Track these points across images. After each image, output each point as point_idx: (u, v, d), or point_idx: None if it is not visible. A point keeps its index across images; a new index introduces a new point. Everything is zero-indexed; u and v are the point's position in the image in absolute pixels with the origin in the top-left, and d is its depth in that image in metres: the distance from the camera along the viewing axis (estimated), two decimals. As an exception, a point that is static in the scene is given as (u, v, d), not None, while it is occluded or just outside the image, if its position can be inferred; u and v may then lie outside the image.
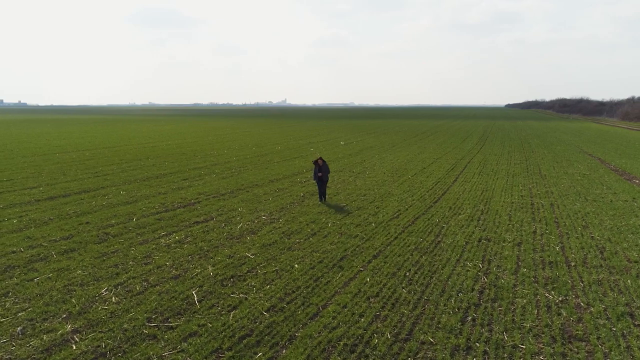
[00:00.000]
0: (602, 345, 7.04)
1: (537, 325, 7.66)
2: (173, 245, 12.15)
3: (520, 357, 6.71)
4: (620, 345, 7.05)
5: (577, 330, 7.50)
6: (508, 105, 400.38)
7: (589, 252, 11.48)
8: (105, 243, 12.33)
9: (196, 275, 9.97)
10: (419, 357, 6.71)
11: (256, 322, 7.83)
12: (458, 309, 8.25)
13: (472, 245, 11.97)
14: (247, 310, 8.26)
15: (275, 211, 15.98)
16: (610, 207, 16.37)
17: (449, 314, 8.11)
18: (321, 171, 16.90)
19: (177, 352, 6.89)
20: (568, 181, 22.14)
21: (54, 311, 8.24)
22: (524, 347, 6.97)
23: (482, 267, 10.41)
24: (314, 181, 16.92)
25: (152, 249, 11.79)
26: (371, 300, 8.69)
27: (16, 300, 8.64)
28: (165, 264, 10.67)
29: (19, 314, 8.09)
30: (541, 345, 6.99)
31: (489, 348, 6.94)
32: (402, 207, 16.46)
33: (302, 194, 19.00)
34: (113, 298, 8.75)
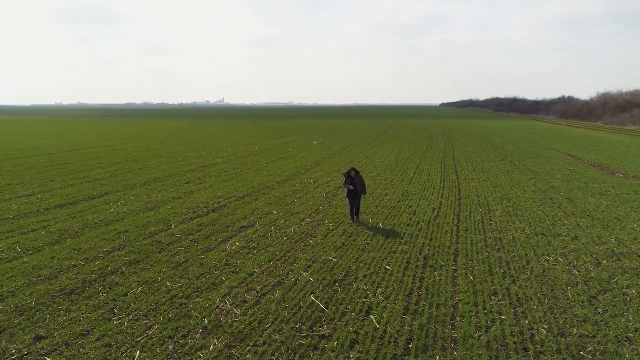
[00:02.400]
0: None
1: None
2: (242, 251, 11.79)
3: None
4: None
5: None
6: (443, 105, 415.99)
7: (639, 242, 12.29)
8: (166, 252, 11.75)
9: (297, 282, 9.74)
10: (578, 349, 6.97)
11: (403, 325, 7.79)
12: (584, 302, 8.60)
13: (536, 240, 12.46)
14: (386, 313, 8.18)
15: (313, 213, 15.84)
16: (622, 201, 17.52)
17: (581, 306, 8.44)
18: (354, 185, 14.13)
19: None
20: (562, 176, 23.43)
21: (186, 326, 7.79)
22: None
23: (563, 261, 10.86)
24: (346, 197, 14.48)
25: (224, 255, 11.39)
26: (493, 298, 8.86)
27: (133, 317, 8.08)
28: (254, 271, 10.35)
29: (150, 332, 7.58)
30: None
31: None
32: (433, 206, 16.81)
33: (324, 195, 18.93)
34: (235, 310, 8.39)
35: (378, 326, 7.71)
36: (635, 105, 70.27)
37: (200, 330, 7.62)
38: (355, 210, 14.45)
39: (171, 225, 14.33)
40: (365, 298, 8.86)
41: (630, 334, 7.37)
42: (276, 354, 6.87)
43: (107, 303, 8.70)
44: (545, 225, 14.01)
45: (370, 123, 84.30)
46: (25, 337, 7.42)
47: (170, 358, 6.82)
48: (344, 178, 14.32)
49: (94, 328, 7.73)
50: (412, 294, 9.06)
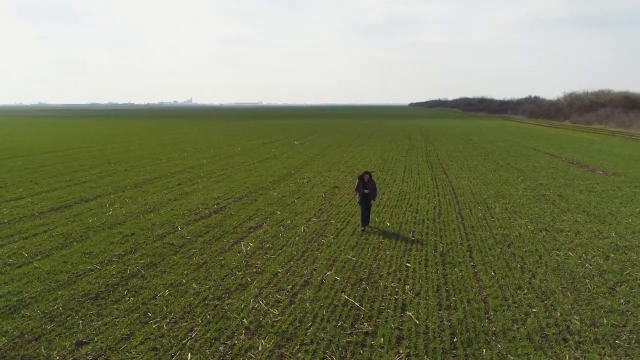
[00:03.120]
0: None
1: None
2: (258, 252, 11.79)
3: None
4: None
5: None
6: (412, 104, 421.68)
7: (639, 236, 12.85)
8: (181, 254, 11.65)
9: (324, 281, 9.83)
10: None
11: (442, 320, 7.98)
12: (605, 294, 9.00)
13: (541, 236, 12.90)
14: (421, 309, 8.36)
15: (317, 213, 15.93)
16: (610, 196, 18.27)
17: (604, 297, 8.82)
18: (366, 189, 13.47)
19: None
20: (546, 174, 24.21)
21: (227, 327, 7.79)
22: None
23: (573, 255, 11.30)
24: (358, 202, 13.76)
25: (242, 256, 11.37)
26: (518, 292, 9.17)
27: (170, 320, 8.02)
28: (278, 271, 10.38)
29: (193, 334, 7.54)
30: None
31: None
32: (433, 204, 17.14)
33: (322, 195, 19.03)
34: (271, 310, 8.42)
35: (418, 322, 7.86)
36: (600, 105, 73.03)
37: (244, 331, 7.62)
38: (367, 215, 13.71)
39: (177, 227, 14.18)
40: (395, 295, 9.01)
41: (656, 323, 7.78)
42: (327, 352, 6.95)
43: (138, 306, 8.58)
44: (546, 221, 14.48)
45: (346, 123, 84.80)
46: (65, 343, 7.27)
47: (222, 358, 6.79)
48: (357, 181, 13.68)
49: (133, 332, 7.63)
50: (439, 290, 9.27)
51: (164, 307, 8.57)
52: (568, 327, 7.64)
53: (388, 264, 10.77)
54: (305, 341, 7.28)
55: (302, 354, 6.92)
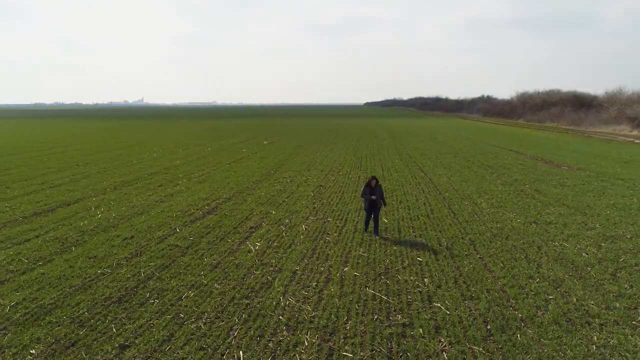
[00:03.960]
0: None
1: None
2: (268, 250, 11.88)
3: None
4: None
5: None
6: (367, 104, 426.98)
7: (620, 226, 13.79)
8: (189, 256, 11.60)
9: (344, 277, 10.05)
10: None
11: (470, 309, 8.38)
12: (609, 280, 9.68)
13: (533, 228, 13.61)
14: (447, 300, 8.74)
15: (312, 211, 16.11)
16: (582, 190, 19.39)
17: (609, 283, 9.49)
18: (374, 195, 13.01)
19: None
20: (517, 170, 25.33)
21: (267, 325, 7.89)
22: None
23: (569, 245, 12.03)
24: (364, 208, 13.25)
25: (254, 255, 11.43)
26: (531, 281, 9.73)
27: (206, 320, 8.04)
28: (295, 269, 10.53)
29: (234, 332, 7.60)
30: None
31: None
32: (422, 201, 17.67)
33: (310, 194, 19.22)
34: (303, 306, 8.58)
35: (448, 312, 8.22)
36: (551, 104, 76.64)
37: (284, 327, 7.74)
38: (374, 223, 13.16)
39: (175, 229, 14.03)
40: (418, 288, 9.35)
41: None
42: (374, 343, 7.18)
43: (167, 308, 8.54)
44: (533, 215, 15.26)
45: (308, 123, 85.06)
46: (107, 347, 7.18)
47: (273, 355, 6.91)
48: (363, 187, 13.17)
49: (172, 333, 7.61)
50: (457, 281, 9.68)
51: (194, 307, 8.55)
52: (587, 311, 8.20)
53: (400, 258, 11.10)
54: (348, 335, 7.48)
55: (349, 346, 7.12)
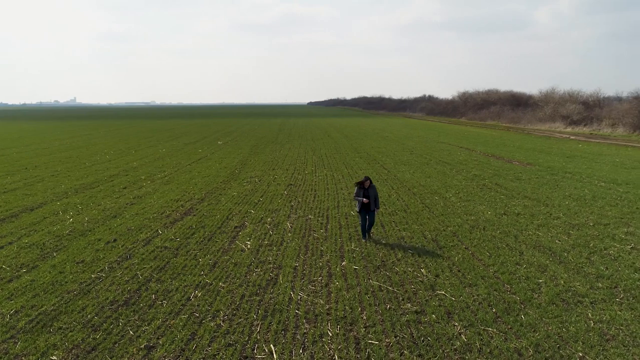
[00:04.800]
0: None
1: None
2: (261, 249, 12.01)
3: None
4: None
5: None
6: (311, 103, 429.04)
7: (581, 215, 14.98)
8: (182, 257, 11.54)
9: (345, 270, 10.38)
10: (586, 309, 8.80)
11: (472, 295, 8.96)
12: (586, 263, 10.59)
13: (506, 219, 14.52)
14: (450, 288, 9.28)
15: (291, 210, 16.31)
16: (538, 184, 20.77)
17: (587, 265, 10.39)
18: (367, 197, 12.14)
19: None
20: (474, 166, 26.64)
21: (287, 319, 8.08)
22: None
23: (542, 233, 12.98)
24: (357, 212, 12.40)
25: (249, 254, 11.53)
26: (518, 267, 10.48)
27: (223, 318, 8.13)
28: (295, 265, 10.75)
29: (257, 328, 7.76)
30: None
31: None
32: (394, 196, 18.30)
33: (284, 192, 19.42)
34: (316, 300, 8.84)
35: (454, 298, 8.75)
36: (491, 103, 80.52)
37: (304, 320, 7.96)
38: (369, 225, 12.50)
39: (157, 231, 13.85)
40: (418, 278, 9.84)
41: (633, 278, 9.40)
42: (395, 330, 7.56)
43: (180, 308, 8.54)
44: (501, 207, 16.23)
45: (256, 122, 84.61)
46: (131, 349, 7.13)
47: (303, 346, 7.13)
48: (355, 189, 12.34)
49: (194, 332, 7.65)
50: (452, 270, 10.27)
51: (207, 306, 8.59)
52: (576, 292, 8.98)
53: (392, 252, 11.56)
54: (368, 324, 7.82)
55: (372, 335, 7.45)
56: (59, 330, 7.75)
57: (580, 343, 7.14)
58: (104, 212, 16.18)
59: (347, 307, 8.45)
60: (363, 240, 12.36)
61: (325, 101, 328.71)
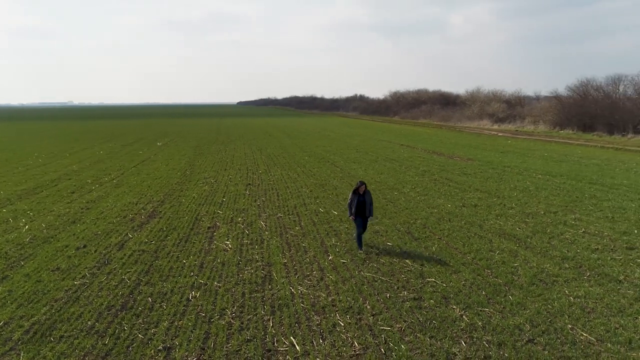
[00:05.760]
0: None
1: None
2: (244, 248, 12.09)
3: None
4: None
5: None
6: (241, 103, 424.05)
7: (531, 205, 16.32)
8: (164, 259, 11.40)
9: (335, 264, 10.72)
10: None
11: (461, 280, 9.64)
12: (549, 247, 11.65)
13: (467, 210, 15.50)
14: (438, 274, 9.92)
15: (259, 208, 16.43)
16: (484, 177, 22.21)
17: (551, 249, 11.45)
18: (362, 203, 11.29)
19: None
20: (420, 163, 27.92)
21: (297, 313, 8.31)
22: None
23: (502, 222, 14.03)
24: (351, 218, 11.45)
25: (233, 254, 11.58)
26: (492, 253, 11.34)
27: (232, 316, 8.23)
28: (284, 262, 10.94)
29: (270, 323, 7.94)
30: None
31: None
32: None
33: (245, 192, 19.45)
34: (318, 293, 9.13)
35: (445, 284, 9.37)
36: (421, 102, 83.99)
37: (313, 313, 8.23)
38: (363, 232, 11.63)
39: (127, 235, 13.52)
40: (406, 267, 10.39)
41: (593, 258, 10.52)
42: (402, 315, 8.02)
43: (183, 309, 8.51)
44: (458, 199, 17.28)
45: (192, 123, 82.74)
46: (148, 352, 7.08)
47: (322, 336, 7.41)
48: (351, 194, 11.42)
49: (207, 331, 7.69)
50: (434, 259, 10.92)
51: (210, 306, 8.63)
52: (548, 273, 9.91)
53: (373, 245, 12.04)
54: (374, 312, 8.22)
55: (383, 321, 7.87)
56: (62, 338, 7.49)
57: (567, 317, 7.95)
58: (60, 218, 15.45)
59: (349, 298, 8.79)
60: (360, 251, 11.33)
61: (255, 101, 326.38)
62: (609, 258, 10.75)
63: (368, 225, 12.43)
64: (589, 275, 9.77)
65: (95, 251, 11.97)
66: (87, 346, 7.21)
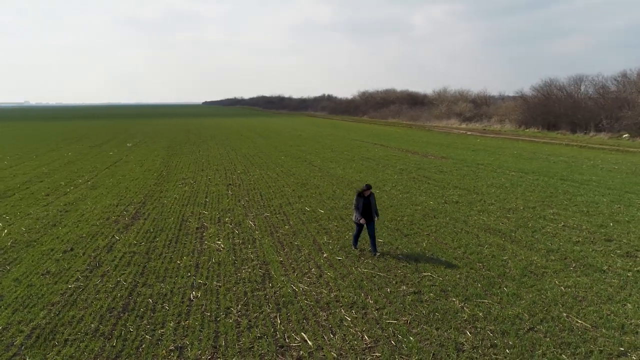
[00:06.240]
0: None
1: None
2: (237, 247, 12.10)
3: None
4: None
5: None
6: (206, 103, 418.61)
7: (510, 201, 16.91)
8: (157, 261, 11.32)
9: (331, 260, 10.89)
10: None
11: (457, 272, 9.97)
12: (531, 238, 12.14)
13: (449, 207, 15.91)
14: (435, 268, 10.22)
15: (245, 208, 16.42)
16: (460, 175, 22.81)
17: (532, 240, 11.94)
18: (367, 205, 11.17)
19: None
20: (396, 161, 28.39)
21: (304, 310, 8.43)
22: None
23: (485, 218, 14.52)
24: (360, 221, 11.08)
25: (227, 253, 11.57)
26: (481, 247, 11.75)
27: (238, 314, 8.28)
28: (280, 260, 11.03)
29: (278, 320, 8.04)
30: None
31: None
32: (339, 191, 19.07)
33: (227, 192, 19.39)
34: (319, 290, 9.26)
35: (441, 278, 9.67)
36: (390, 102, 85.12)
37: (319, 309, 8.37)
38: (370, 239, 11.34)
39: (114, 237, 13.33)
40: (401, 263, 10.64)
41: (576, 250, 11.04)
42: (408, 307, 8.25)
43: (186, 310, 8.50)
44: (440, 196, 17.72)
45: (160, 123, 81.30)
46: (160, 352, 7.07)
47: (332, 331, 7.55)
48: (355, 197, 11.19)
49: (216, 330, 7.72)
50: (427, 254, 11.22)
51: (214, 305, 8.64)
52: (537, 265, 10.35)
53: (365, 242, 12.25)
54: (378, 306, 8.43)
55: (388, 314, 8.08)
56: (67, 342, 7.38)
57: (560, 305, 8.35)
58: (39, 221, 15.06)
59: (351, 294, 8.97)
60: (353, 248, 11.56)
61: (222, 101, 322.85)
62: (590, 250, 11.28)
63: (375, 224, 11.76)
64: (574, 266, 10.25)
65: (84, 254, 11.73)
66: (96, 348, 7.13)
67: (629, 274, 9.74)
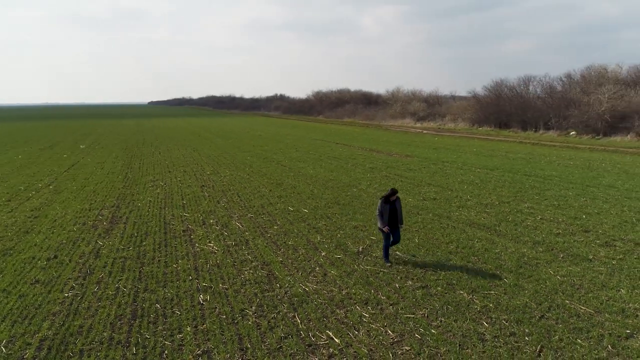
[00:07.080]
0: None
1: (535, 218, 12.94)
2: (232, 249, 12.00)
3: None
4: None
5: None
6: (152, 103, 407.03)
7: (485, 196, 17.60)
8: (152, 265, 11.05)
9: (330, 258, 10.99)
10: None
11: (450, 265, 10.32)
12: (513, 231, 12.72)
13: (431, 203, 16.36)
14: (432, 265, 10.52)
15: (226, 208, 16.24)
16: (429, 172, 23.46)
17: (523, 235, 12.52)
18: (394, 211, 10.32)
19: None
20: (362, 161, 28.79)
21: (315, 308, 8.49)
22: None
23: (466, 213, 15.04)
24: (380, 229, 10.35)
25: (223, 255, 11.43)
26: (472, 241, 12.19)
27: (239, 310, 8.25)
28: (279, 260, 11.03)
29: (284, 319, 8.06)
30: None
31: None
32: (318, 191, 19.18)
33: (203, 194, 19.10)
34: (329, 288, 9.35)
35: (444, 272, 9.98)
36: (345, 102, 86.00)
37: (335, 307, 8.44)
38: (394, 242, 10.70)
39: (98, 242, 12.88)
40: (400, 258, 10.89)
41: (560, 241, 11.69)
42: (421, 301, 8.47)
43: (200, 313, 8.36)
44: (417, 194, 18.17)
45: (109, 124, 78.41)
46: (187, 357, 6.93)
47: (354, 327, 7.65)
48: (380, 203, 10.26)
49: (238, 333, 7.65)
50: (422, 250, 11.53)
51: (226, 307, 8.55)
52: (528, 256, 10.87)
53: (357, 240, 12.43)
54: (392, 302, 8.60)
55: (406, 309, 8.27)
56: (85, 352, 7.10)
57: (561, 294, 8.83)
58: (9, 229, 14.31)
59: (361, 291, 9.10)
60: (387, 264, 10.40)
61: (169, 101, 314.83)
62: (572, 240, 11.95)
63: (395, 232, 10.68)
64: (562, 256, 10.84)
65: (70, 261, 11.26)
66: (117, 357, 6.88)
67: (614, 261, 10.39)
